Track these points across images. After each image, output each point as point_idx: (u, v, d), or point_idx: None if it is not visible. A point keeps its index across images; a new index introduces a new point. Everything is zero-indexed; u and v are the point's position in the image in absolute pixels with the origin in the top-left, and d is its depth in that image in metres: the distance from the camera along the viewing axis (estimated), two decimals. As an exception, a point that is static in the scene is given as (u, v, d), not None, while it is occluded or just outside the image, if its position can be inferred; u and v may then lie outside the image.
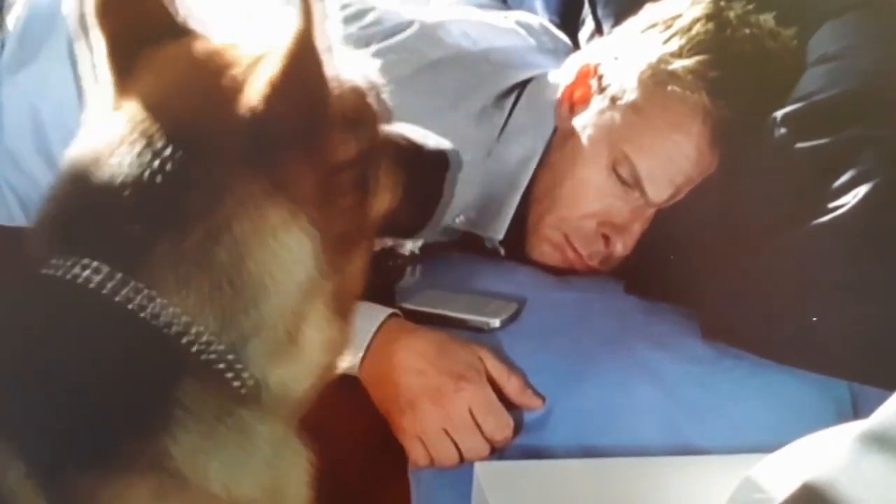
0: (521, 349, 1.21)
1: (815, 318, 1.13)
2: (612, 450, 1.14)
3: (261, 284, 0.80)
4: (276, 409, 0.83)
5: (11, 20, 1.53)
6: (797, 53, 1.37)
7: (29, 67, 1.50)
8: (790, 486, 0.88)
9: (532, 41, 1.52)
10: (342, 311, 0.87)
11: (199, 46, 0.87)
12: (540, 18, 1.61)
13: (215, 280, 0.78)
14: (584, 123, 1.36)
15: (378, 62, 1.31)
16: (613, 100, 1.35)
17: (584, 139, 1.35)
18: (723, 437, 1.15)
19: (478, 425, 1.14)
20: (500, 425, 1.15)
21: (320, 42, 0.79)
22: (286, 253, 0.81)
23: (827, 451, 0.91)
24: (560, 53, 1.54)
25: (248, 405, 0.80)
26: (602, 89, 1.36)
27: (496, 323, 1.24)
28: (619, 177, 1.32)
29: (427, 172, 1.00)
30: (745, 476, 0.96)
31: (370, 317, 1.18)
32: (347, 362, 1.16)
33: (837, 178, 1.20)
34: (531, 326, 1.25)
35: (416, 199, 0.97)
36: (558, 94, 1.40)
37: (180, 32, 0.88)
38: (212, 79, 0.83)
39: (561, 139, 1.38)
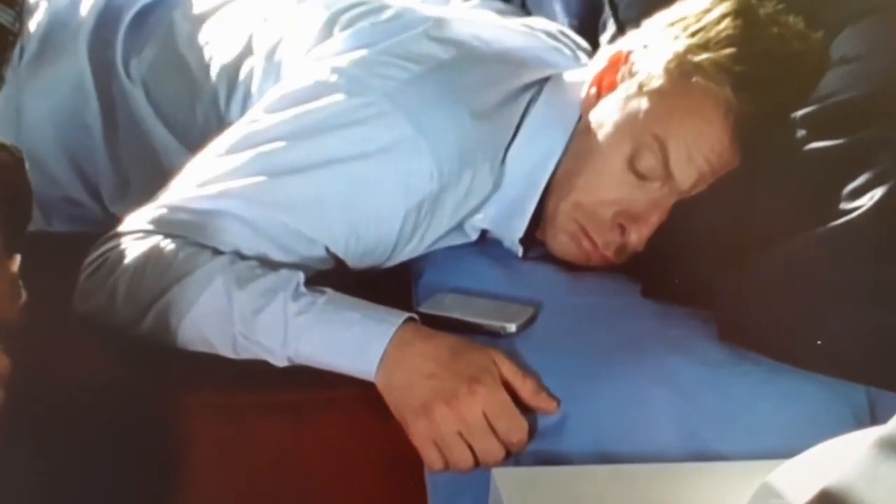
0: (536, 354, 1.22)
1: (818, 325, 1.14)
2: (628, 455, 1.14)
3: None
4: None
5: (33, 24, 1.54)
6: (822, 57, 1.37)
7: (48, 71, 1.52)
8: (807, 493, 0.88)
9: (550, 43, 1.52)
10: (4, 339, 0.84)
11: None
12: (559, 24, 1.61)
13: None
14: (611, 109, 1.37)
15: (389, 59, 1.34)
16: (640, 86, 1.35)
17: (609, 125, 1.36)
18: (740, 441, 1.15)
19: (492, 428, 1.15)
20: (513, 428, 1.15)
21: None
22: None
23: (844, 456, 0.91)
24: (579, 57, 1.54)
25: None
26: (631, 75, 1.37)
27: (512, 328, 1.25)
28: (636, 168, 1.32)
29: (13, 174, 0.96)
30: (762, 482, 0.96)
31: (385, 321, 1.19)
32: (363, 369, 1.18)
33: (853, 179, 1.20)
34: (547, 331, 1.25)
35: (10, 208, 0.94)
36: (582, 90, 1.41)
37: None
38: None
39: (585, 127, 1.39)
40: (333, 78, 1.33)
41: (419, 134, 1.29)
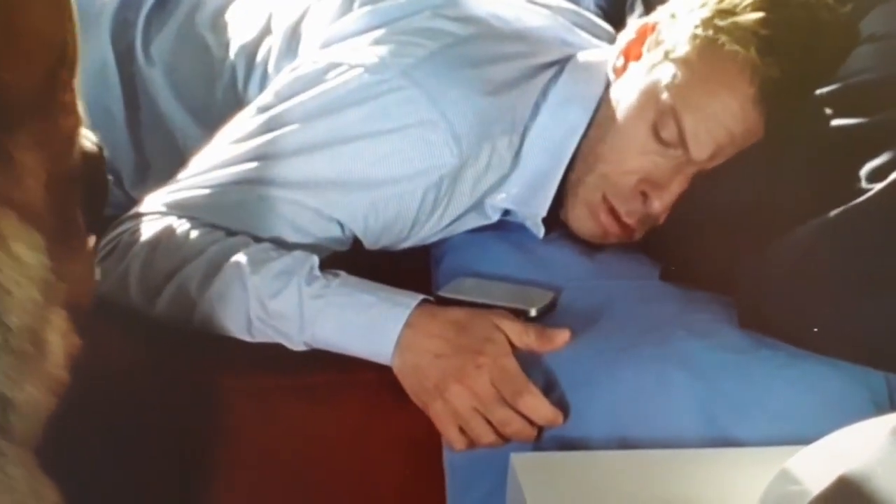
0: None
1: (838, 311, 1.13)
2: (647, 440, 1.15)
3: (5, 292, 0.78)
4: (23, 436, 0.80)
5: None
6: (849, 30, 1.38)
7: None
8: (826, 479, 0.89)
9: (567, 22, 1.52)
10: (76, 319, 0.85)
11: None
12: (582, 9, 1.61)
13: None
14: (636, 77, 1.38)
15: (405, 38, 1.34)
16: (666, 54, 1.36)
17: (634, 92, 1.37)
18: (759, 427, 1.15)
19: (502, 397, 1.16)
20: (519, 390, 1.16)
21: None
22: (21, 258, 0.79)
23: (863, 443, 0.91)
24: (601, 33, 1.54)
25: None
26: (658, 44, 1.38)
27: (533, 312, 1.26)
28: (660, 136, 1.33)
29: (93, 168, 0.97)
30: (780, 468, 0.96)
31: (400, 304, 1.20)
32: (379, 352, 1.18)
33: (874, 159, 1.20)
34: (567, 315, 1.25)
35: (86, 196, 0.94)
36: (607, 67, 1.42)
37: None
38: None
39: (609, 97, 1.40)
40: (348, 57, 1.33)
41: (436, 109, 1.29)
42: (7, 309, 0.78)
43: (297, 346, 1.22)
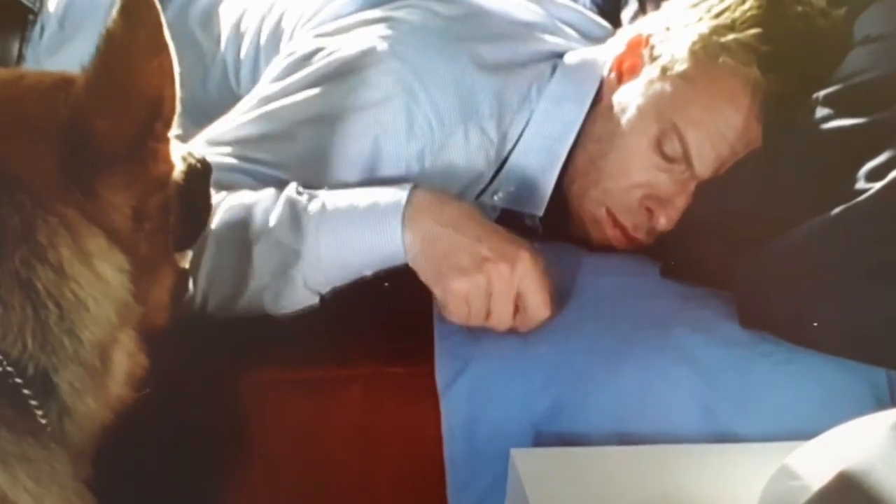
0: (557, 334, 1.23)
1: (838, 308, 1.14)
2: (648, 435, 1.16)
3: (83, 308, 0.81)
4: (76, 444, 0.83)
5: (53, 2, 1.56)
6: (846, 34, 1.39)
7: (68, 49, 1.53)
8: (827, 475, 0.90)
9: (556, 21, 1.53)
10: (146, 342, 0.89)
11: None
12: (578, 5, 1.61)
13: (38, 300, 0.79)
14: (633, 94, 1.38)
15: (391, 14, 1.35)
16: (664, 70, 1.37)
17: (633, 109, 1.37)
18: (759, 422, 1.16)
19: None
20: (540, 307, 1.19)
21: (157, 43, 0.81)
22: (104, 278, 0.82)
23: (864, 438, 0.92)
24: (593, 37, 1.55)
25: (48, 445, 0.80)
26: (653, 59, 1.38)
27: None
28: (663, 150, 1.34)
29: (198, 184, 1.02)
30: (781, 464, 0.97)
31: (392, 193, 1.20)
32: (389, 241, 1.19)
33: (873, 158, 1.21)
34: (568, 310, 1.26)
35: (190, 212, 0.99)
36: (604, 67, 1.42)
37: None
38: (3, 111, 0.83)
39: (607, 110, 1.40)
40: (335, 38, 1.35)
41: (418, 82, 1.30)
42: (82, 323, 0.81)
43: (296, 281, 1.21)
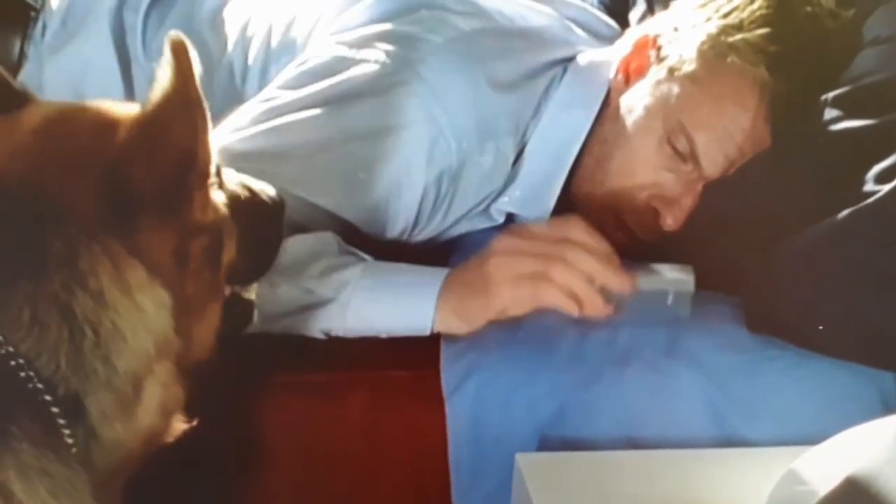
0: (563, 338, 1.23)
1: (846, 312, 1.15)
2: (655, 440, 1.16)
3: (121, 337, 0.83)
4: (101, 470, 0.84)
5: (55, 0, 1.56)
6: (854, 35, 1.39)
7: (71, 47, 1.54)
8: (834, 480, 0.90)
9: (569, 23, 1.53)
10: (185, 374, 0.91)
11: (41, 112, 0.90)
12: (587, 4, 1.62)
13: (75, 324, 0.81)
14: (641, 94, 1.38)
15: (409, 31, 1.35)
16: (671, 71, 1.37)
17: (640, 110, 1.38)
18: (767, 427, 1.17)
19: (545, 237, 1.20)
20: (554, 226, 1.23)
21: (189, 99, 0.83)
22: (144, 310, 0.84)
23: (871, 443, 0.92)
24: (604, 36, 1.55)
25: (71, 464, 0.81)
26: (660, 60, 1.39)
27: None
28: (673, 148, 1.34)
29: (266, 221, 1.05)
30: (788, 468, 0.98)
31: (430, 275, 1.24)
32: (419, 317, 1.22)
33: (882, 160, 1.22)
34: (573, 315, 1.26)
35: (256, 248, 1.02)
36: (610, 70, 1.43)
37: (20, 102, 0.91)
38: (59, 142, 0.86)
39: (613, 111, 1.40)
40: (353, 52, 1.34)
41: (438, 105, 1.31)
42: (118, 352, 0.83)
43: (321, 321, 1.24)
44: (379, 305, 1.23)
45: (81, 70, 1.54)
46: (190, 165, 0.85)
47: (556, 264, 1.18)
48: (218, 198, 0.93)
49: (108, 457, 0.85)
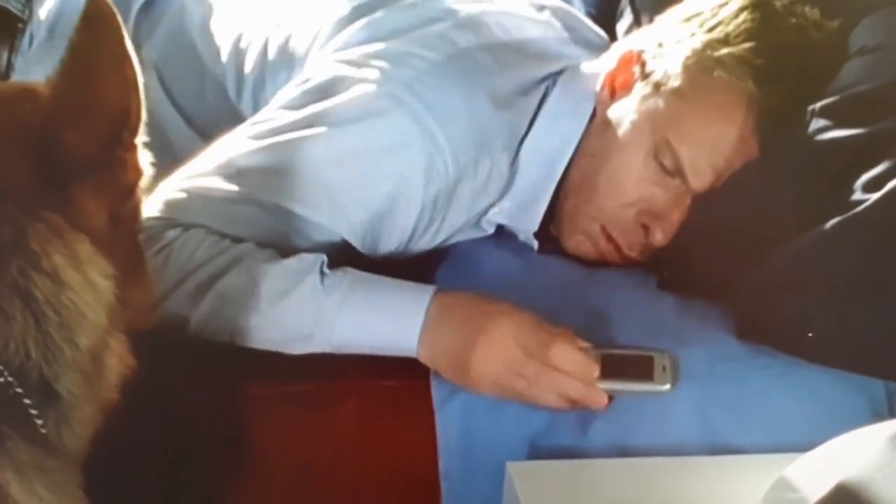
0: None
1: (835, 320, 1.16)
2: (645, 448, 1.17)
3: (80, 314, 0.83)
4: (72, 452, 0.84)
5: (43, 11, 1.56)
6: (840, 45, 1.40)
7: (57, 58, 1.53)
8: (824, 487, 0.91)
9: (565, 34, 1.54)
10: (133, 342, 0.90)
11: None
12: (576, 11, 1.63)
13: (39, 309, 0.81)
14: (626, 110, 1.39)
15: (406, 49, 1.35)
16: (657, 86, 1.37)
17: (626, 126, 1.38)
18: (757, 435, 1.18)
19: (530, 353, 1.19)
20: (541, 341, 1.19)
21: (120, 53, 0.83)
22: (95, 284, 0.84)
23: (861, 450, 0.93)
24: (594, 46, 1.56)
25: (58, 455, 0.82)
26: (645, 76, 1.39)
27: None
28: (660, 164, 1.35)
29: None
30: (778, 476, 0.98)
31: (418, 290, 1.24)
32: (405, 338, 1.22)
33: (870, 169, 1.22)
34: (566, 324, 1.26)
35: None
36: (598, 82, 1.43)
37: None
38: None
39: (600, 126, 1.41)
40: (352, 71, 1.34)
41: (437, 124, 1.31)
42: (80, 330, 0.83)
43: (304, 348, 1.24)
44: (361, 336, 1.24)
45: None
46: (123, 123, 0.84)
47: (538, 391, 1.19)
48: (143, 156, 0.91)
49: (79, 440, 0.85)
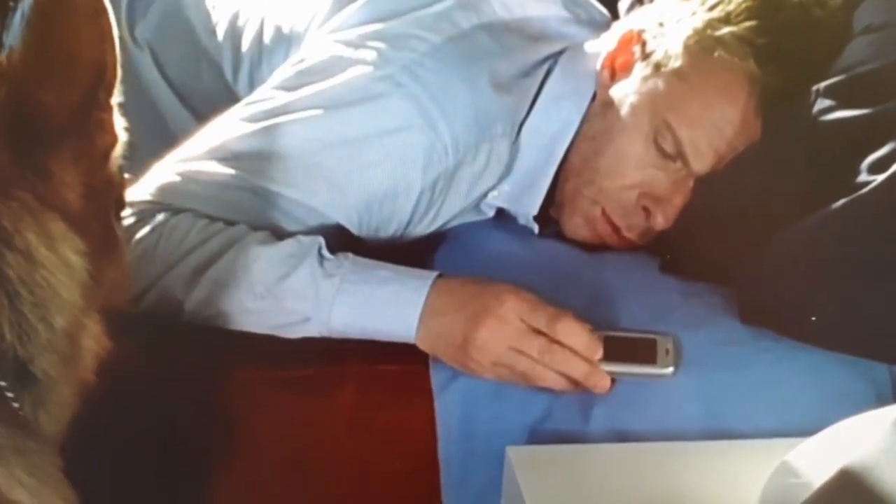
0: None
1: (839, 304, 1.16)
2: (647, 433, 1.17)
3: (54, 293, 0.82)
4: (50, 435, 0.83)
5: None
6: (844, 23, 1.39)
7: None
8: (828, 471, 0.91)
9: (566, 13, 1.53)
10: (109, 323, 0.89)
11: None
12: None
13: (12, 288, 0.79)
14: (626, 91, 1.38)
15: (407, 30, 1.35)
16: (657, 67, 1.37)
17: (626, 107, 1.37)
18: (760, 419, 1.17)
19: (535, 330, 1.18)
20: (550, 315, 1.18)
21: (97, 6, 0.80)
22: (69, 262, 0.83)
23: (865, 435, 0.93)
24: (597, 24, 1.55)
25: (37, 438, 0.81)
26: (646, 56, 1.38)
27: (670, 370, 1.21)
28: (659, 147, 1.34)
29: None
30: (781, 461, 0.98)
31: (418, 277, 1.23)
32: (402, 325, 1.21)
33: (876, 150, 1.22)
34: (566, 306, 1.25)
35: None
36: (598, 63, 1.42)
37: None
38: None
39: (601, 108, 1.40)
40: (350, 52, 1.33)
41: (436, 109, 1.30)
42: (55, 310, 0.82)
43: (301, 332, 1.24)
44: (358, 321, 1.23)
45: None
46: (100, 79, 0.83)
47: (540, 370, 1.18)
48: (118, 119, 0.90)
49: (56, 423, 0.84)
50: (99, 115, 0.85)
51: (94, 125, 0.85)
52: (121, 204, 0.96)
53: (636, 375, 1.19)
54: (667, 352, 1.20)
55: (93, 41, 0.82)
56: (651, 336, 1.22)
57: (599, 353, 1.18)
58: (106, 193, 0.89)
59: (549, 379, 1.19)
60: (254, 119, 1.31)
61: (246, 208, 1.28)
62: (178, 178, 1.29)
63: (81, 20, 0.81)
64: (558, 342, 1.18)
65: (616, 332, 1.22)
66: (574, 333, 1.18)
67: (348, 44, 1.35)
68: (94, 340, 0.86)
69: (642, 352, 1.20)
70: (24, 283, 0.80)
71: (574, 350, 1.18)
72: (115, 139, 0.88)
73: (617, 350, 1.20)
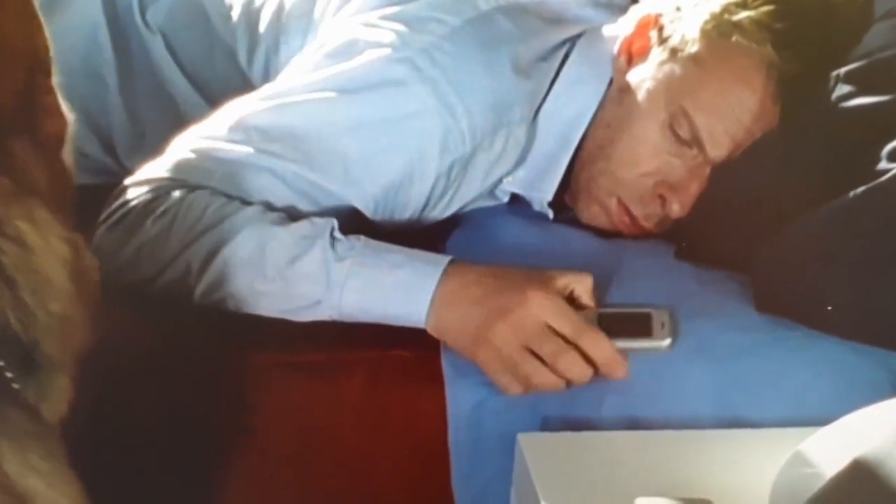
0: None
1: (856, 292, 1.16)
2: (659, 421, 1.17)
3: (47, 279, 0.82)
4: (51, 423, 0.83)
5: None
6: (864, 8, 1.39)
7: (59, 18, 1.53)
8: (841, 462, 0.91)
9: None
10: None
11: None
12: None
13: (9, 276, 0.80)
14: (643, 77, 1.38)
15: (426, 13, 1.35)
16: (674, 52, 1.37)
17: (642, 93, 1.37)
18: (774, 408, 1.17)
19: (556, 332, 1.17)
20: (577, 325, 1.17)
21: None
22: (56, 247, 0.83)
23: (880, 425, 0.93)
24: (615, 7, 1.55)
25: (45, 424, 0.81)
26: (662, 41, 1.38)
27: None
28: (675, 134, 1.34)
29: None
30: (795, 450, 0.98)
31: (431, 262, 1.23)
32: (413, 311, 1.21)
33: (894, 138, 1.22)
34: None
35: None
36: (616, 47, 1.42)
37: None
38: None
39: (617, 94, 1.40)
40: (368, 34, 1.33)
41: (455, 94, 1.30)
42: (51, 296, 0.82)
43: (312, 315, 1.24)
44: (369, 305, 1.23)
45: (70, 42, 1.51)
46: (34, 63, 0.83)
47: (545, 376, 1.17)
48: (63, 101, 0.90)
49: (56, 412, 0.84)
50: (43, 99, 0.85)
51: (41, 110, 0.85)
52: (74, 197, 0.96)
53: (633, 350, 1.19)
54: (662, 324, 1.20)
55: (22, 29, 0.82)
56: (646, 310, 1.22)
57: (623, 373, 1.17)
58: (68, 181, 0.89)
59: (549, 382, 1.18)
60: (273, 99, 1.32)
61: (262, 187, 1.28)
62: (194, 155, 1.29)
63: (6, 6, 0.81)
64: (576, 347, 1.17)
65: (610, 309, 1.22)
66: (599, 347, 1.17)
67: (367, 25, 1.35)
68: (82, 327, 0.86)
69: (638, 326, 1.20)
70: (19, 270, 0.80)
71: (595, 363, 1.17)
72: (64, 122, 0.88)
73: (612, 326, 1.19)
